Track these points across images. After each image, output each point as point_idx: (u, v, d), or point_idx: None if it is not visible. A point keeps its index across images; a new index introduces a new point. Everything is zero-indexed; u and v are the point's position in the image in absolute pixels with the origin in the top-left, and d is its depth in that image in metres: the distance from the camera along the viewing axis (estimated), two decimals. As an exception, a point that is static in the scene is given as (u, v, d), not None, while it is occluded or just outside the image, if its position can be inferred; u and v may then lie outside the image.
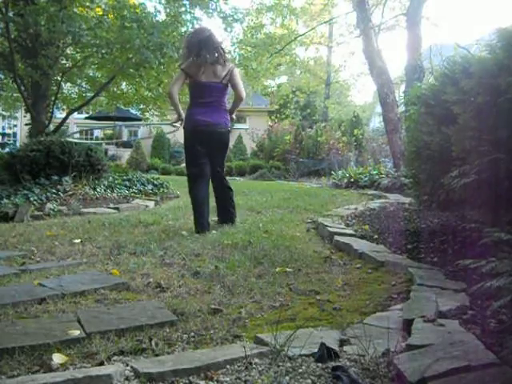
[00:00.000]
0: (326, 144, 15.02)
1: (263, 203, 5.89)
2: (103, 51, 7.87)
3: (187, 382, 1.45)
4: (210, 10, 8.83)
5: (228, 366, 1.53)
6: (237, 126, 22.76)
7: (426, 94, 3.40)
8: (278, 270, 2.82)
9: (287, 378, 1.46)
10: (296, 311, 2.15)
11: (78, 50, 8.81)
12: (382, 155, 14.02)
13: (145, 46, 7.05)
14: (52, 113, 8.87)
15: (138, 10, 8.15)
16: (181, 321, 1.98)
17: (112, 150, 20.50)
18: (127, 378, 1.46)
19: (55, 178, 6.24)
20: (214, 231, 3.92)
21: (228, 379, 1.46)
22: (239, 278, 2.61)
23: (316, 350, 1.61)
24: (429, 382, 1.35)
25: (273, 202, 6.05)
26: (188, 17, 8.68)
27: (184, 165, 4.56)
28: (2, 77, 9.76)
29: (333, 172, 11.26)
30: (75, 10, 8.06)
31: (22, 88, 8.21)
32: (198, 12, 9.17)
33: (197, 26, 4.43)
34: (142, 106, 11.23)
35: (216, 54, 4.04)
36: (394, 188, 7.59)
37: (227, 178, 4.42)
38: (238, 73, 4.19)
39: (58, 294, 2.25)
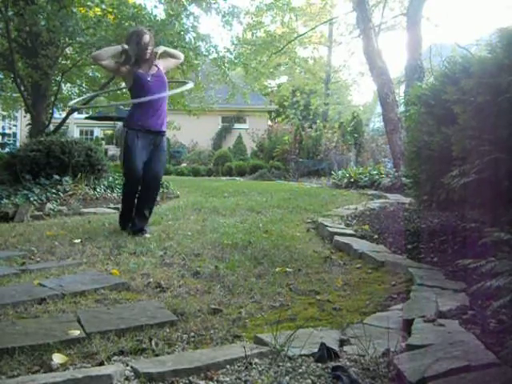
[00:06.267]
0: (325, 144, 15.01)
1: (263, 203, 5.88)
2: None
3: (187, 381, 1.45)
4: (210, 7, 8.81)
5: (228, 366, 1.53)
6: (237, 126, 22.78)
7: (426, 94, 3.40)
8: (278, 270, 2.82)
9: (287, 378, 1.46)
10: (296, 311, 2.15)
11: (77, 49, 8.82)
12: (381, 155, 14.01)
13: None
14: (52, 113, 8.87)
15: (136, 10, 8.15)
16: (181, 321, 1.99)
17: (112, 150, 20.48)
18: (127, 378, 1.46)
19: (55, 177, 6.24)
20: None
21: (228, 379, 1.46)
22: (239, 278, 2.62)
23: (316, 350, 1.61)
24: (429, 382, 1.35)
25: (273, 202, 6.05)
26: (186, 13, 8.68)
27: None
28: (2, 77, 9.76)
29: (333, 172, 11.24)
30: (74, 9, 8.07)
31: (22, 88, 8.21)
32: (195, 10, 9.19)
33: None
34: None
35: None
36: (393, 188, 7.59)
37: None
38: None
39: (58, 294, 2.25)
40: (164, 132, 4.02)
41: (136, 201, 3.97)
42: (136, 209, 3.95)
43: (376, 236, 3.77)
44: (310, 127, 16.97)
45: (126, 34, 4.16)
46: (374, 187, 8.27)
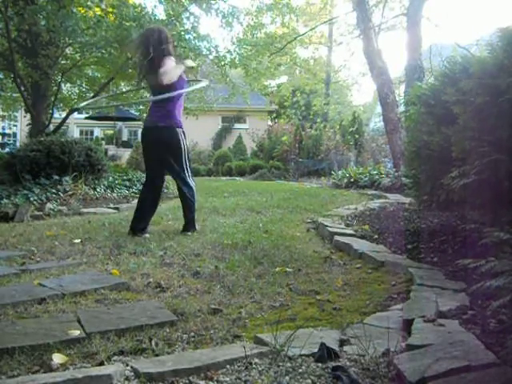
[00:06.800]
0: (326, 144, 15.01)
1: (263, 203, 5.89)
2: (103, 51, 7.88)
3: (187, 381, 1.45)
4: (210, 7, 8.82)
5: (228, 366, 1.53)
6: (237, 126, 22.81)
7: (426, 94, 3.40)
8: (277, 269, 2.82)
9: (287, 377, 1.46)
10: (296, 311, 2.15)
11: (77, 49, 8.82)
12: (381, 155, 14.01)
13: None
14: (52, 113, 8.88)
15: (137, 10, 8.16)
16: (181, 321, 1.98)
17: (112, 150, 20.51)
18: (127, 378, 1.46)
19: (55, 177, 6.25)
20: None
21: (228, 379, 1.46)
22: (239, 278, 2.62)
23: (316, 350, 1.61)
24: (429, 382, 1.35)
25: (273, 201, 6.06)
26: (186, 14, 8.68)
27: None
28: (2, 77, 9.77)
29: (333, 172, 11.24)
30: (74, 9, 8.07)
31: (22, 88, 8.22)
32: (196, 10, 9.19)
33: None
34: (141, 107, 11.23)
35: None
36: (393, 188, 7.60)
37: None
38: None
39: (58, 294, 2.25)
40: None
41: (148, 201, 4.00)
42: (147, 208, 3.96)
43: (376, 236, 3.77)
44: (311, 127, 16.97)
45: (152, 31, 3.93)
46: (374, 187, 8.27)
